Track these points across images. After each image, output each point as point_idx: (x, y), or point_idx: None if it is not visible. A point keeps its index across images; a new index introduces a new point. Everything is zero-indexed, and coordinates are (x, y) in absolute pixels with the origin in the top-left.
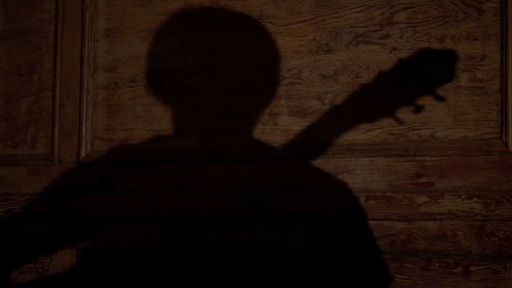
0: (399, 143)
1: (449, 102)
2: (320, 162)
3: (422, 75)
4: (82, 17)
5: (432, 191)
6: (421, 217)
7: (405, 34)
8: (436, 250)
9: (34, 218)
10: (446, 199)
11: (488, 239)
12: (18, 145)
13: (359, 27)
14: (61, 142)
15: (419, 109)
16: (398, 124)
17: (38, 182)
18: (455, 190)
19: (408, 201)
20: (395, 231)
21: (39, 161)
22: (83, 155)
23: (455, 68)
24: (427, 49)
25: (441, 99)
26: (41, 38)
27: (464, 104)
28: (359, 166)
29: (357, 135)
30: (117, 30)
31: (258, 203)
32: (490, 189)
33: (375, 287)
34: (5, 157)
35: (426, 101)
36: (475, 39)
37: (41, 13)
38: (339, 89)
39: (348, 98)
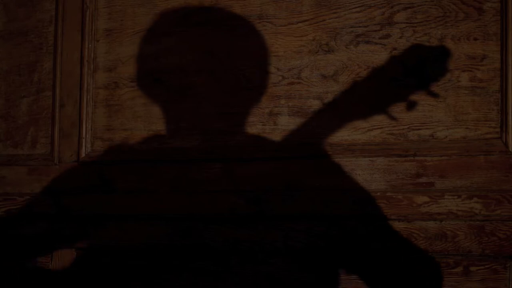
0: (399, 143)
1: (449, 102)
2: (320, 162)
3: (422, 75)
4: (82, 17)
5: (432, 191)
6: (421, 217)
7: (405, 34)
8: (436, 250)
9: (34, 218)
10: (446, 199)
11: (488, 239)
12: (18, 145)
13: (359, 27)
14: (61, 142)
15: (411, 105)
16: (395, 123)
17: (38, 182)
18: (455, 190)
19: (408, 201)
20: (395, 231)
21: (39, 161)
22: (83, 155)
23: (448, 64)
24: (420, 46)
25: (434, 95)
26: (41, 38)
27: (464, 104)
28: (359, 166)
29: (357, 135)
30: (117, 30)
31: (258, 203)
32: (490, 189)
33: (377, 287)
34: (5, 157)
35: (428, 101)
36: (475, 39)
37: (41, 13)
38: (339, 89)
39: (349, 98)
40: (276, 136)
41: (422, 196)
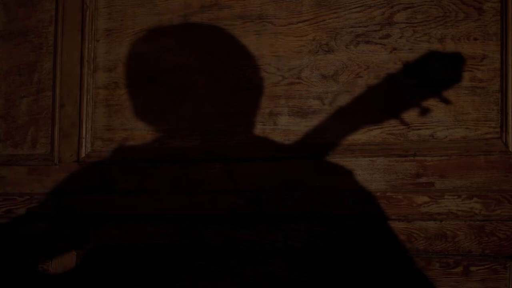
0: (399, 143)
1: (450, 102)
2: (320, 162)
3: (424, 76)
4: (82, 17)
5: (432, 191)
6: (421, 217)
7: (405, 34)
8: (436, 250)
9: (34, 218)
10: (446, 199)
11: (488, 239)
12: (18, 145)
13: (359, 27)
14: (61, 142)
15: (424, 112)
16: (400, 125)
17: (38, 182)
18: (455, 190)
19: (408, 201)
20: (395, 231)
21: (39, 161)
22: (83, 155)
23: (460, 70)
24: (431, 52)
25: (446, 101)
26: (41, 38)
27: (464, 104)
28: (359, 166)
29: (357, 135)
30: (117, 30)
31: (258, 203)
32: (490, 189)
33: (377, 287)
34: (5, 157)
35: (428, 102)
36: (475, 39)
37: (41, 13)
38: (339, 89)
39: (349, 98)
40: (276, 136)
41: (422, 196)
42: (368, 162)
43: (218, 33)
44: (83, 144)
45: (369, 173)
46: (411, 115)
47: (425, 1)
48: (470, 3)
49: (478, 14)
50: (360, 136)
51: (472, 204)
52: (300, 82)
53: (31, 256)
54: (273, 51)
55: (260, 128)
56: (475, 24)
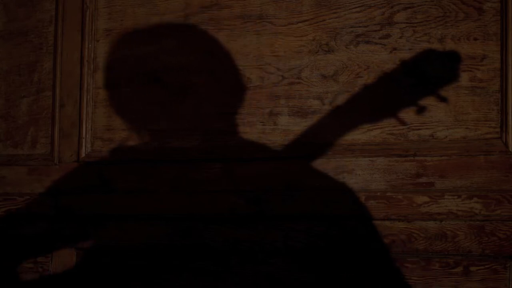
0: (399, 143)
1: (449, 102)
2: (320, 162)
3: (423, 76)
4: (82, 17)
5: (432, 191)
6: (421, 217)
7: (405, 34)
8: (436, 250)
9: (34, 218)
10: (446, 199)
11: (488, 239)
12: (18, 145)
13: (359, 27)
14: (61, 142)
15: (421, 110)
16: (400, 125)
17: (38, 182)
18: (455, 190)
19: (408, 201)
20: (395, 231)
21: (39, 161)
22: (83, 155)
23: (458, 69)
24: (430, 51)
25: (443, 99)
26: (41, 38)
27: (464, 104)
28: (359, 166)
29: (357, 135)
30: (117, 30)
31: (258, 203)
32: (490, 189)
33: (377, 287)
34: (5, 157)
35: (428, 101)
36: (475, 39)
37: (41, 13)
38: (339, 89)
39: (349, 98)
40: (276, 136)
41: (422, 196)
42: (368, 162)
43: (218, 33)
44: (83, 144)
45: (369, 173)
46: (411, 115)
47: (425, 1)
48: (470, 3)
49: (478, 14)
50: (360, 136)
51: (472, 204)
52: (300, 82)
53: (31, 256)
54: (273, 51)
55: (260, 128)
56: (475, 24)
